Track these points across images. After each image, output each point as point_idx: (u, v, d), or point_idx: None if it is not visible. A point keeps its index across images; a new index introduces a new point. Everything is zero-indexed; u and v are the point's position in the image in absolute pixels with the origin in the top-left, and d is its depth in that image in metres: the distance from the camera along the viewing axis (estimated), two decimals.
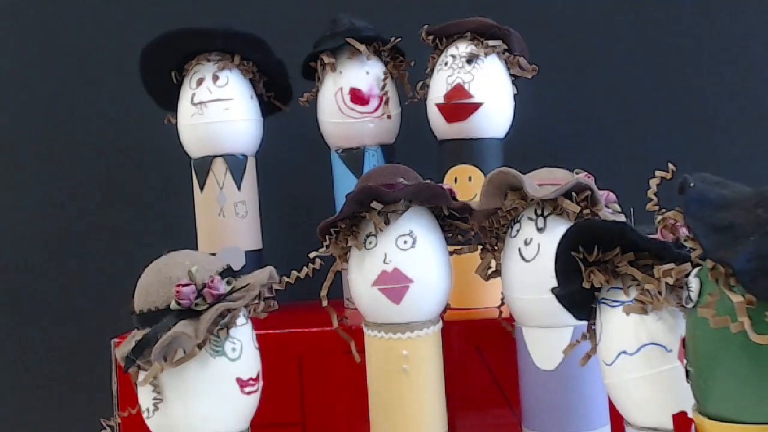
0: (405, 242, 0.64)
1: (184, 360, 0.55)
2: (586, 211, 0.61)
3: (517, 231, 0.63)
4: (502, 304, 0.69)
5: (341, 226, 0.66)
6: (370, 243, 0.64)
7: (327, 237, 0.66)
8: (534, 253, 0.62)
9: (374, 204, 0.63)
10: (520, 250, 0.62)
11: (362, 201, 0.64)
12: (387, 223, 0.64)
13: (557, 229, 0.60)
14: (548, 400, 0.64)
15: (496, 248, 0.66)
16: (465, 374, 0.74)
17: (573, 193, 0.61)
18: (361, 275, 0.65)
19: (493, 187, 0.63)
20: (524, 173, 0.63)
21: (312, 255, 0.65)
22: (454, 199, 0.65)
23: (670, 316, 0.51)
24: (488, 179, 0.63)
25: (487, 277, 0.67)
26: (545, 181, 0.63)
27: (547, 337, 0.63)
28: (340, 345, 0.70)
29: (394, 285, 0.63)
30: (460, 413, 0.74)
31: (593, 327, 0.55)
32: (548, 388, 0.64)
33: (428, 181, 0.65)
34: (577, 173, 0.63)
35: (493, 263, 0.67)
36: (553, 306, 0.57)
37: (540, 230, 0.62)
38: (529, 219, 0.63)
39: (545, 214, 0.62)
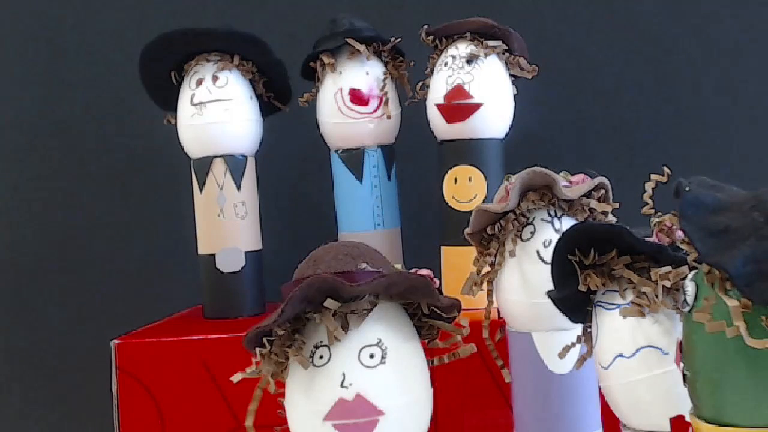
0: (371, 356, 0.47)
1: None
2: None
3: (531, 233, 0.61)
4: (490, 313, 0.64)
5: (277, 332, 0.47)
6: (321, 357, 0.47)
7: (258, 350, 0.48)
8: None
9: (328, 302, 0.46)
10: (538, 252, 0.61)
11: (312, 298, 0.46)
12: (346, 329, 0.47)
13: None
14: (564, 403, 0.62)
15: (495, 252, 0.62)
16: (465, 374, 0.73)
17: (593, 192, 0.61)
18: (308, 404, 0.47)
19: (521, 187, 0.60)
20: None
21: (236, 378, 0.49)
22: (440, 291, 0.49)
23: (666, 319, 0.51)
24: (519, 178, 0.59)
25: (480, 282, 0.63)
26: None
27: (562, 340, 0.60)
28: None
29: (357, 420, 0.46)
30: (460, 414, 0.73)
31: (589, 330, 0.55)
32: (564, 391, 0.62)
33: (401, 270, 0.49)
34: (591, 174, 0.62)
35: (486, 268, 0.63)
36: None
37: (558, 231, 0.60)
38: (544, 220, 0.61)
39: (559, 215, 0.61)
